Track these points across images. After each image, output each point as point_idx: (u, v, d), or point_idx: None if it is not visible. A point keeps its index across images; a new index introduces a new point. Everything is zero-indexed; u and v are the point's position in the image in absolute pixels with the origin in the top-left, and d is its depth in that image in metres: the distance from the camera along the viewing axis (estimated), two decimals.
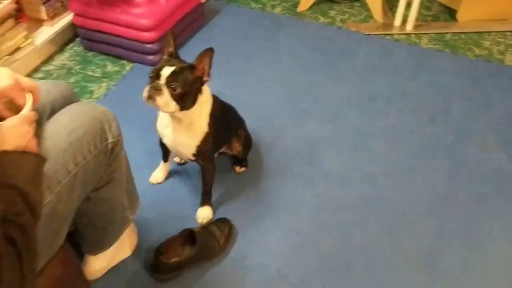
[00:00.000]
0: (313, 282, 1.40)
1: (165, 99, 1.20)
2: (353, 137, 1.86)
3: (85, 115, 1.02)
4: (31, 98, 0.86)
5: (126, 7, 2.03)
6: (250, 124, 1.70)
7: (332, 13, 2.59)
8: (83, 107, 1.05)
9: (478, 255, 1.49)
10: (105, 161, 1.05)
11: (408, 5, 2.42)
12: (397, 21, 2.47)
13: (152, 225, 1.52)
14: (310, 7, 2.61)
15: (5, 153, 0.76)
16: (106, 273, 1.36)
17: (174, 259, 1.35)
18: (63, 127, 0.97)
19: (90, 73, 2.15)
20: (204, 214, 1.54)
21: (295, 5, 2.62)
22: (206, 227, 1.46)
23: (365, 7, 2.61)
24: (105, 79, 2.11)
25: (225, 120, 1.48)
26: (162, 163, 1.64)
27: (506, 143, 1.85)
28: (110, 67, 2.18)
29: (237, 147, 1.62)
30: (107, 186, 1.09)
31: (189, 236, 1.40)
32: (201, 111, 1.34)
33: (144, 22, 2.01)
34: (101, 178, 1.06)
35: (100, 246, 1.24)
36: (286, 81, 2.12)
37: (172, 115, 1.32)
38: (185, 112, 1.27)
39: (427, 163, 1.77)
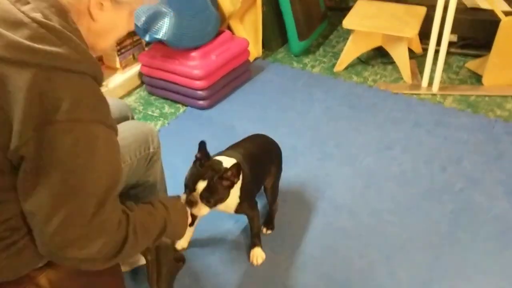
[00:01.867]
0: None
1: (199, 208, 1.39)
2: (366, 178, 2.08)
3: (136, 129, 1.37)
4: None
5: (183, 60, 2.46)
6: None
7: (366, 73, 2.89)
8: (136, 123, 1.43)
9: (470, 287, 1.62)
10: (145, 165, 1.38)
11: (435, 68, 2.66)
12: (424, 83, 2.71)
13: None
14: (346, 68, 2.93)
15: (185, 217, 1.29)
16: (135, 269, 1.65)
17: None
18: (120, 134, 1.31)
19: (150, 112, 2.57)
20: (258, 254, 1.71)
21: (333, 65, 2.95)
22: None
23: (397, 70, 2.87)
24: (161, 118, 2.51)
25: (257, 172, 1.63)
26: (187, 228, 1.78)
27: (511, 193, 1.99)
28: (167, 109, 2.59)
29: (268, 184, 1.76)
30: (142, 186, 1.42)
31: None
32: (233, 193, 1.48)
33: (197, 72, 2.42)
34: (139, 179, 1.39)
35: None
36: (314, 128, 2.41)
37: None
38: None
39: (432, 205, 1.94)
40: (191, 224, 1.72)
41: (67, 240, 0.94)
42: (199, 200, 1.39)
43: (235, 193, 1.50)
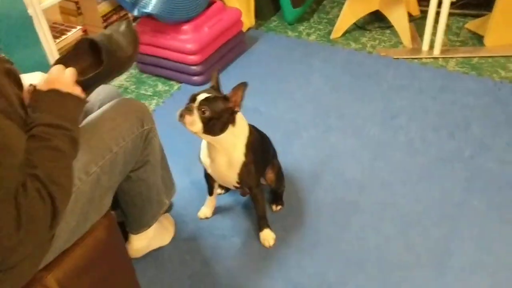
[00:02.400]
0: (327, 273, 1.55)
1: (193, 119, 1.35)
2: (373, 150, 2.01)
3: (126, 107, 1.25)
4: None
5: (174, 34, 2.33)
6: (281, 137, 1.89)
7: (364, 39, 2.79)
8: (125, 101, 1.29)
9: (489, 258, 1.58)
10: (141, 145, 1.28)
11: (435, 31, 2.57)
12: (425, 46, 2.62)
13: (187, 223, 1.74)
14: (343, 35, 2.82)
15: (56, 91, 1.00)
16: (144, 256, 1.58)
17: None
18: (108, 115, 1.21)
19: (143, 92, 2.45)
20: (267, 236, 1.65)
21: (329, 32, 2.84)
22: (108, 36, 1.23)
23: (395, 33, 2.78)
24: (156, 97, 2.40)
25: (263, 148, 1.59)
26: (208, 197, 1.74)
27: None
28: (161, 87, 2.47)
29: (271, 177, 1.70)
30: (143, 168, 1.32)
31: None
32: (235, 142, 1.45)
33: (190, 46, 2.29)
34: (138, 159, 1.29)
35: (140, 225, 1.46)
36: (315, 100, 2.32)
37: (210, 145, 1.47)
38: (217, 140, 1.41)
39: (443, 174, 1.89)
40: (211, 194, 1.72)
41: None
42: (195, 110, 1.35)
43: (240, 148, 1.47)
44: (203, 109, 1.35)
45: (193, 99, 1.38)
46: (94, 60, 1.16)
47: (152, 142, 1.31)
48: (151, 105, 2.34)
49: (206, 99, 1.36)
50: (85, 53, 1.17)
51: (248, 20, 2.82)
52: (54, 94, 1.01)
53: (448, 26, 2.81)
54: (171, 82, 2.50)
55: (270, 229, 1.67)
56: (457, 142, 2.03)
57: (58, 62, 1.11)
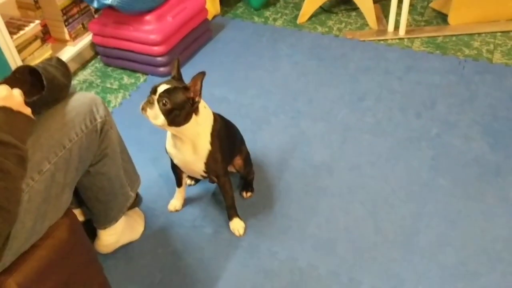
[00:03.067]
0: (299, 258, 1.56)
1: (154, 112, 1.33)
2: (342, 133, 2.02)
3: (77, 101, 1.21)
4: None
5: (137, 25, 2.28)
6: (250, 124, 1.88)
7: (330, 23, 2.78)
8: (76, 95, 1.24)
9: (455, 234, 1.61)
10: (97, 138, 1.25)
11: (401, 12, 2.58)
12: (390, 27, 2.63)
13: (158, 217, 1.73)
14: (309, 19, 2.81)
15: (7, 109, 0.96)
16: (114, 252, 1.57)
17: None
18: (58, 111, 1.18)
19: (108, 85, 2.40)
20: (237, 225, 1.65)
21: (296, 17, 2.83)
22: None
23: (361, 16, 2.78)
24: (122, 90, 2.36)
25: (229, 135, 1.59)
26: (177, 189, 1.72)
27: (488, 133, 1.97)
28: (127, 80, 2.43)
29: (239, 164, 1.71)
30: (102, 161, 1.29)
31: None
32: (200, 132, 1.44)
33: (154, 37, 2.25)
34: (96, 153, 1.26)
35: (106, 220, 1.44)
36: (284, 86, 2.31)
37: (174, 135, 1.45)
38: (181, 130, 1.40)
39: (410, 153, 1.91)
40: (179, 185, 1.70)
41: None
42: (155, 102, 1.33)
43: (205, 137, 1.46)
44: (163, 101, 1.33)
45: (154, 91, 1.36)
46: (33, 86, 1.16)
47: (108, 134, 1.28)
48: (118, 98, 2.30)
49: (166, 90, 1.34)
50: (24, 79, 1.16)
51: (213, 7, 2.78)
52: (5, 112, 0.97)
53: (412, 6, 2.83)
54: (137, 74, 2.45)
55: (240, 218, 1.67)
56: (424, 121, 2.06)
57: None
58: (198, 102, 1.39)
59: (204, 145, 1.47)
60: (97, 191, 1.33)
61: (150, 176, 1.84)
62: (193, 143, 1.46)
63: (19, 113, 1.00)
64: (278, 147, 1.97)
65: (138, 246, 1.62)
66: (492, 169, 1.82)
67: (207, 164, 1.49)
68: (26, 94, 1.10)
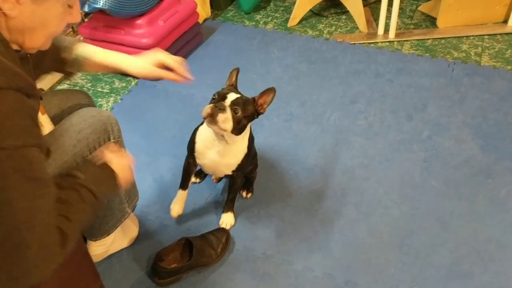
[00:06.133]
0: (294, 262, 1.56)
1: (226, 117, 1.34)
2: (335, 135, 2.03)
3: (93, 118, 1.21)
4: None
5: (128, 29, 2.27)
6: None
7: (320, 26, 2.80)
8: (91, 111, 1.24)
9: (448, 235, 1.63)
10: None
11: (390, 15, 2.60)
12: (380, 30, 2.65)
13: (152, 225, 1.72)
14: (300, 22, 2.82)
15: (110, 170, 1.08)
16: (105, 259, 1.55)
17: (172, 265, 1.49)
18: (74, 127, 1.17)
19: (99, 89, 2.38)
20: (228, 219, 1.67)
21: (286, 20, 2.84)
22: (203, 235, 1.58)
23: (352, 19, 2.80)
24: (113, 94, 2.34)
25: (253, 138, 1.64)
26: (180, 191, 1.64)
27: (478, 135, 2.00)
28: (118, 84, 2.41)
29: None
30: None
31: (187, 244, 1.54)
32: (244, 136, 1.50)
33: (145, 41, 2.24)
34: None
35: (100, 233, 1.43)
36: (276, 89, 2.31)
37: (219, 138, 1.45)
38: (231, 135, 1.42)
39: (403, 156, 1.93)
40: (185, 187, 1.65)
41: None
42: (228, 108, 1.34)
43: (245, 141, 1.52)
44: (235, 109, 1.36)
45: (221, 97, 1.37)
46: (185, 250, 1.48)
47: None
48: (109, 102, 2.29)
49: (238, 99, 1.37)
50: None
51: (204, 10, 2.78)
52: (113, 177, 1.08)
53: (401, 9, 2.86)
54: (128, 78, 2.44)
55: (234, 213, 1.69)
56: (415, 123, 2.08)
57: None
58: (262, 114, 1.45)
59: (243, 148, 1.53)
60: None
61: (143, 179, 1.83)
62: (236, 146, 1.50)
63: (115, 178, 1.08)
64: (272, 150, 1.98)
65: (132, 250, 1.61)
66: (483, 170, 1.84)
67: (240, 164, 1.54)
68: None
